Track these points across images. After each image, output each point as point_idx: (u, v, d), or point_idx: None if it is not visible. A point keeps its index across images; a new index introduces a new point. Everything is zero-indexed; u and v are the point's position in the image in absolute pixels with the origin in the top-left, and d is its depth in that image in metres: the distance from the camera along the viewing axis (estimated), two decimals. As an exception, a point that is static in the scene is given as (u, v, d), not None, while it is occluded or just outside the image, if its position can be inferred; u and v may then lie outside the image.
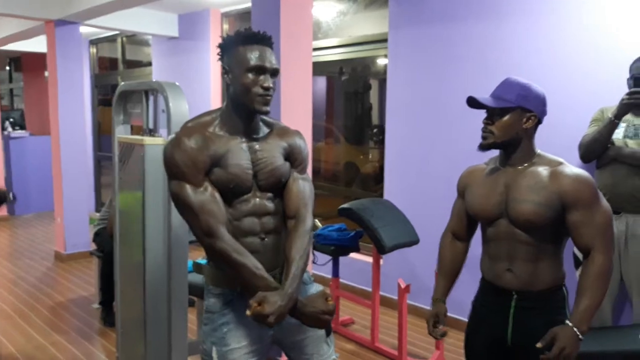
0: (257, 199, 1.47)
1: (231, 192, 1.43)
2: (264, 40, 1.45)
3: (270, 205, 1.49)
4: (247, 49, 1.41)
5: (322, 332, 1.60)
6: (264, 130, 1.53)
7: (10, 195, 2.71)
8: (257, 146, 1.48)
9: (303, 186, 1.53)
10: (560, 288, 1.56)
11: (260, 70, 1.41)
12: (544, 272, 1.52)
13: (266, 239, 1.48)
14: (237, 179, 1.42)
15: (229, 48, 1.45)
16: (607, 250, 1.46)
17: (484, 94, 1.56)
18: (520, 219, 1.49)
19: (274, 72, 1.44)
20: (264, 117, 1.55)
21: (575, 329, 1.41)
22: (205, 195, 1.39)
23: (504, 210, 1.52)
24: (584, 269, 1.47)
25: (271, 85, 1.42)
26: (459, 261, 1.76)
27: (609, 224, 1.48)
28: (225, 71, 1.46)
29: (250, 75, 1.41)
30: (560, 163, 1.51)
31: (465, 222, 1.73)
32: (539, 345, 1.41)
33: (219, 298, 1.48)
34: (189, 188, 1.38)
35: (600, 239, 1.45)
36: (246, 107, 1.43)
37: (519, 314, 1.55)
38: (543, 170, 1.49)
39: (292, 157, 1.54)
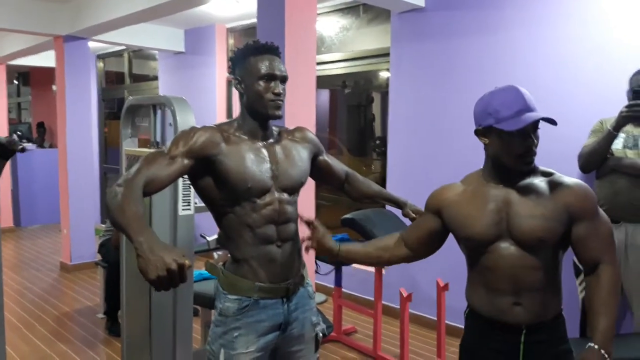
0: (278, 202, 1.51)
1: (249, 192, 1.46)
2: (272, 50, 1.53)
3: (290, 209, 1.54)
4: (257, 59, 1.50)
5: (313, 347, 1.64)
6: (275, 134, 1.61)
7: (20, 144, 2.65)
8: (275, 148, 1.55)
9: (334, 160, 1.81)
10: (561, 313, 1.44)
11: (270, 77, 1.49)
12: (552, 299, 1.41)
13: (282, 246, 1.53)
14: (254, 178, 1.46)
15: (240, 60, 1.53)
16: (615, 261, 1.39)
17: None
18: (528, 237, 1.34)
19: (284, 79, 1.53)
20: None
21: (602, 351, 1.30)
22: (166, 161, 1.38)
23: (505, 230, 1.37)
24: (595, 284, 1.37)
25: (281, 91, 1.51)
26: (385, 252, 1.60)
27: (612, 234, 1.41)
28: (238, 82, 1.53)
29: (261, 83, 1.49)
30: (553, 172, 1.41)
31: (420, 239, 1.56)
32: None
33: (234, 303, 1.51)
34: (166, 156, 1.40)
35: (607, 250, 1.37)
36: (259, 113, 1.51)
37: (529, 350, 1.39)
38: (540, 182, 1.38)
39: (316, 148, 1.71)
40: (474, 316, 1.48)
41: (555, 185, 1.37)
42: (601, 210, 1.42)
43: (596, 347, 1.30)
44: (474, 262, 1.45)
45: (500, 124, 1.32)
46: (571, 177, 1.42)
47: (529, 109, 1.32)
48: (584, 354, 1.32)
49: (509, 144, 1.34)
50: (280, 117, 1.53)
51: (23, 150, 2.66)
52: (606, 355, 1.30)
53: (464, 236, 1.43)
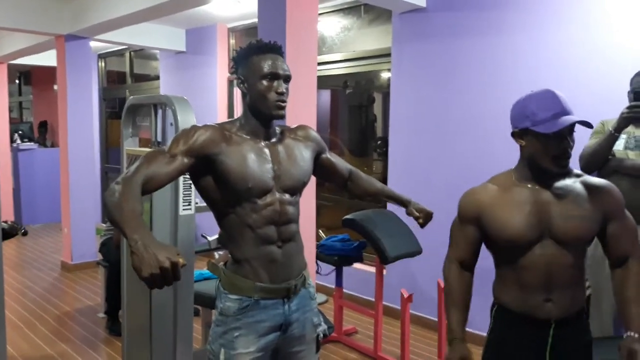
0: (279, 203, 1.50)
1: (250, 192, 1.46)
2: (275, 49, 1.52)
3: (291, 210, 1.54)
4: (260, 58, 1.49)
5: (314, 347, 1.63)
6: (278, 133, 1.60)
7: (22, 229, 2.79)
8: (277, 147, 1.54)
9: (337, 158, 1.79)
10: (584, 307, 1.50)
11: (273, 76, 1.48)
12: (579, 293, 1.47)
13: (283, 247, 1.52)
14: (255, 179, 1.46)
15: (243, 59, 1.52)
16: None
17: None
18: (569, 236, 1.39)
19: (287, 79, 1.52)
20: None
21: None
22: (166, 160, 1.38)
23: (545, 230, 1.40)
24: (625, 277, 1.45)
25: (285, 90, 1.50)
26: (469, 292, 1.58)
27: (637, 229, 1.49)
28: (240, 81, 1.52)
29: (264, 82, 1.48)
30: (582, 174, 1.48)
31: (475, 251, 1.55)
32: None
33: (235, 303, 1.50)
34: (166, 154, 1.40)
35: (634, 245, 1.46)
36: (262, 113, 1.50)
37: (557, 344, 1.44)
38: (574, 184, 1.44)
39: (319, 146, 1.69)
40: (503, 312, 1.52)
41: (588, 187, 1.44)
42: (626, 210, 1.49)
43: (637, 335, 1.35)
44: (507, 261, 1.47)
45: (537, 127, 1.37)
46: (599, 179, 1.50)
47: (565, 112, 1.37)
48: (626, 342, 1.36)
49: (546, 146, 1.38)
50: (283, 117, 1.52)
51: (25, 233, 2.79)
52: None
53: (505, 239, 1.43)
